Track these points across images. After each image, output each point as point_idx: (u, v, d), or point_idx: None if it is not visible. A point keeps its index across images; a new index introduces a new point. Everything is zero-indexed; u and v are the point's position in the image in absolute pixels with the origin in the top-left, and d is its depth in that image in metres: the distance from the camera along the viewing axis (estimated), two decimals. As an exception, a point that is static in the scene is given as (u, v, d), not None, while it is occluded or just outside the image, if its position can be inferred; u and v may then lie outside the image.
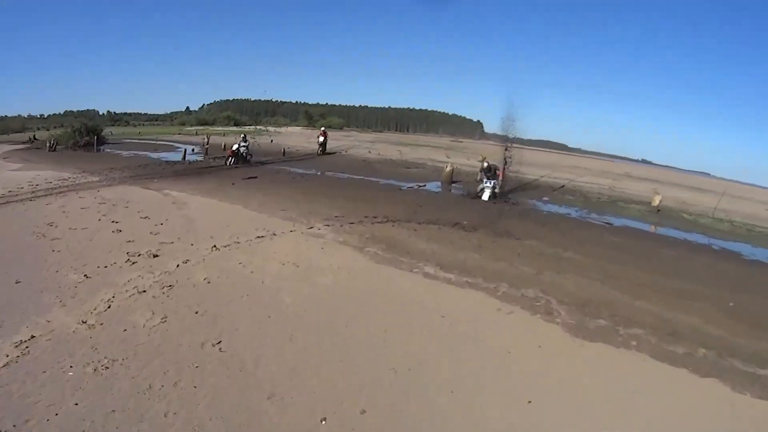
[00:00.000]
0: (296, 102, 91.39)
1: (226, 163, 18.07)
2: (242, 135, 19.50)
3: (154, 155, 21.98)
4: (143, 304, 5.42)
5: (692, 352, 5.42)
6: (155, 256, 7.03)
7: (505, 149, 17.47)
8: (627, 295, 7.09)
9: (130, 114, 79.53)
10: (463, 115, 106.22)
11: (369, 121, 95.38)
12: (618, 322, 6.06)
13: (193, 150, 24.33)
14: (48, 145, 23.37)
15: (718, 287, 8.18)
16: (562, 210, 15.21)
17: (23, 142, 27.51)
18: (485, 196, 14.68)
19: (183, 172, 15.88)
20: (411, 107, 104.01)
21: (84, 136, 25.74)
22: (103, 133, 28.84)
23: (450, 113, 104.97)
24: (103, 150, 24.26)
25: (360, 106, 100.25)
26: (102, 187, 12.13)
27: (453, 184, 17.57)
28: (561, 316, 6.09)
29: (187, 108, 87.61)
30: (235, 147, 18.55)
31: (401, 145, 38.30)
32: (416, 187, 16.21)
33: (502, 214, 12.78)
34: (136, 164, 17.29)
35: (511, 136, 17.85)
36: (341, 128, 65.17)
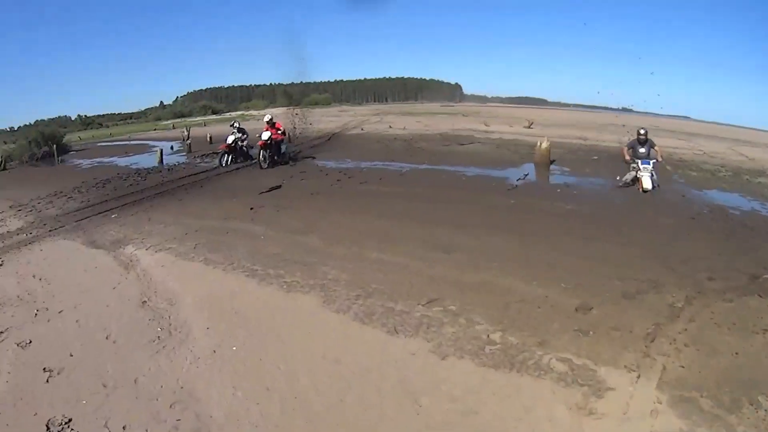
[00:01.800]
0: (270, 84, 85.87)
1: (221, 163, 12.68)
2: (234, 123, 13.60)
3: (123, 161, 16.40)
4: None
5: None
6: None
7: None
8: None
9: (103, 116, 73.58)
10: (439, 79, 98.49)
11: (346, 94, 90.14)
12: None
13: (171, 148, 19.02)
14: (-3, 163, 18.07)
15: None
16: (742, 201, 9.25)
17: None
18: (647, 184, 9.24)
19: (159, 188, 10.26)
20: (387, 76, 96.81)
21: (42, 147, 20.74)
22: (65, 140, 24.12)
23: (427, 78, 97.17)
24: (63, 161, 18.75)
25: (336, 80, 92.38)
26: (14, 250, 6.54)
27: (551, 165, 12.11)
28: None
29: (161, 102, 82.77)
30: (230, 139, 12.81)
31: (410, 115, 32.22)
32: (524, 177, 10.40)
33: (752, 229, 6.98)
34: (94, 181, 11.68)
35: None
36: (329, 104, 59.12)
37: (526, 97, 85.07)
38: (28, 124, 51.70)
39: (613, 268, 5.07)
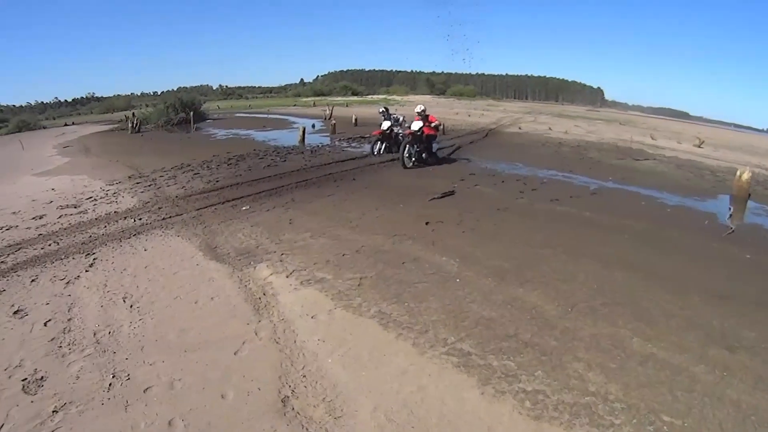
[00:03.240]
0: (411, 71, 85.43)
1: (372, 151, 10.60)
2: (383, 109, 11.46)
3: (261, 135, 15.13)
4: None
5: None
6: None
7: None
8: None
9: (243, 87, 79.09)
10: (581, 82, 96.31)
11: (487, 88, 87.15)
12: None
13: (313, 126, 17.74)
14: (131, 125, 18.12)
15: None
16: None
17: (118, 121, 23.44)
18: None
19: (302, 174, 8.24)
20: (528, 74, 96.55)
21: (178, 113, 20.74)
22: (203, 108, 24.06)
23: (569, 80, 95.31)
24: (199, 129, 18.28)
25: (477, 73, 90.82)
26: (115, 241, 4.74)
27: (748, 201, 8.97)
28: None
29: (302, 80, 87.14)
30: (385, 125, 10.65)
31: (565, 118, 28.40)
32: (730, 215, 7.45)
33: None
34: (227, 156, 10.24)
35: None
36: (473, 97, 55.23)
37: (668, 109, 77.23)
38: (170, 90, 56.24)
39: None
